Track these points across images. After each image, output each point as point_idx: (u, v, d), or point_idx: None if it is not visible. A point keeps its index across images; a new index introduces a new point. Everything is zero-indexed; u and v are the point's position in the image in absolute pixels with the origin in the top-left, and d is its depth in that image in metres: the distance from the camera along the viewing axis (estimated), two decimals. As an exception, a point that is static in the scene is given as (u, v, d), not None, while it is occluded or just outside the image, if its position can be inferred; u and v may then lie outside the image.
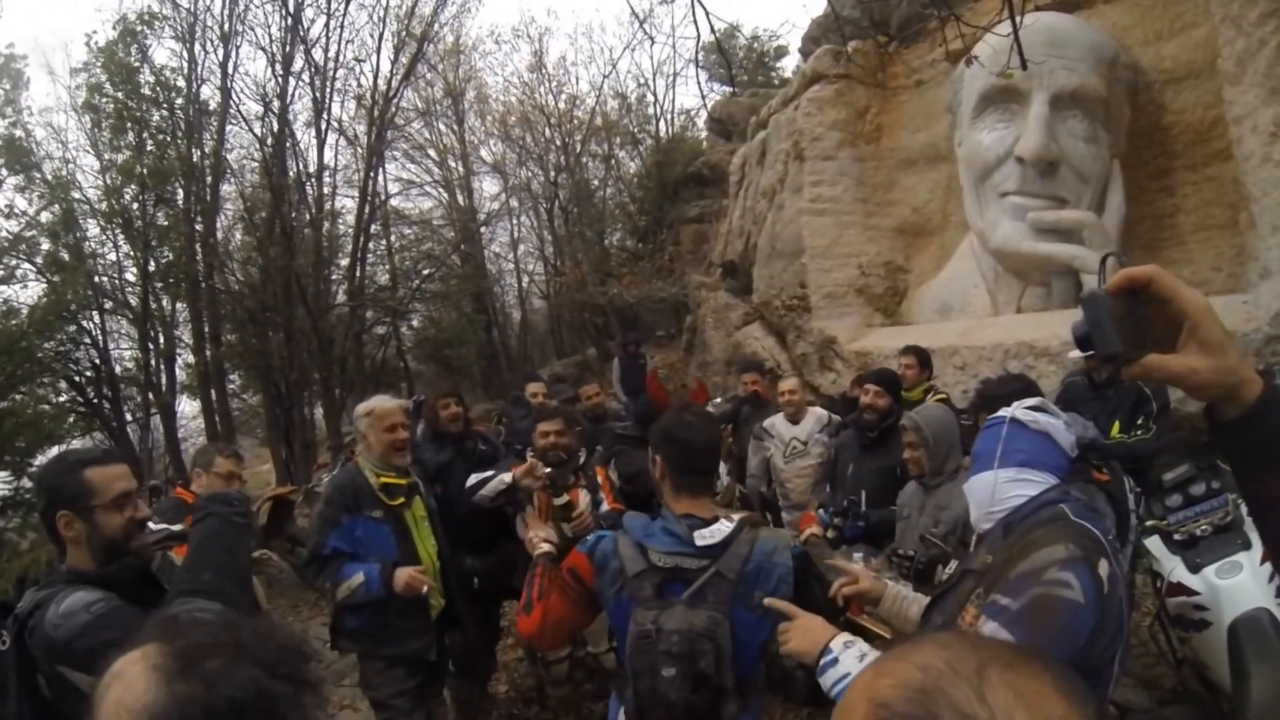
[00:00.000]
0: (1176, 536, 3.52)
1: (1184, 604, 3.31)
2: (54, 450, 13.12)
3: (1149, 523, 3.66)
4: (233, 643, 1.00)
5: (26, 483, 11.84)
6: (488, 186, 22.91)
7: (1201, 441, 4.05)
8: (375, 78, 17.03)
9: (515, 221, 23.08)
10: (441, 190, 22.59)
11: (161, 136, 15.48)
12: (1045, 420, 2.07)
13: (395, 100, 17.42)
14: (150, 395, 16.70)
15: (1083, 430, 2.98)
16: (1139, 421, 4.43)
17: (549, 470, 4.20)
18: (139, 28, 14.88)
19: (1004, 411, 2.13)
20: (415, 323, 22.09)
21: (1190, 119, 6.82)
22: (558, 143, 18.87)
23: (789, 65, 20.12)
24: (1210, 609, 3.16)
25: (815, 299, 9.42)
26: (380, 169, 18.29)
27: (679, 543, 2.21)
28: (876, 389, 4.89)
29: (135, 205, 15.29)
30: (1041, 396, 3.17)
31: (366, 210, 16.98)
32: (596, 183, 20.58)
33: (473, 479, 4.40)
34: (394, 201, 21.33)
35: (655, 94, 20.17)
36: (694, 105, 21.62)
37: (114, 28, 15.00)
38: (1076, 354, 4.82)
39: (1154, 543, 3.65)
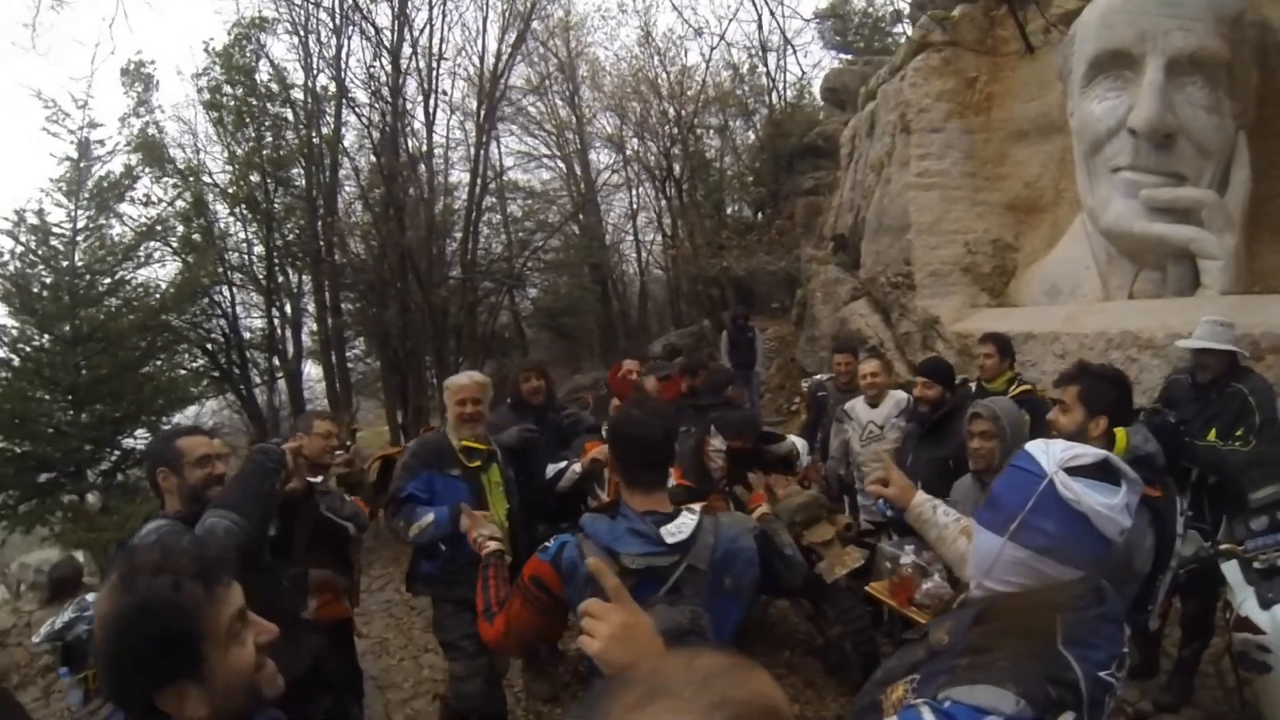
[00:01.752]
0: (1256, 565, 3.21)
1: (1248, 641, 3.02)
2: (191, 410, 15.09)
3: (1224, 546, 3.36)
4: (157, 561, 1.35)
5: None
6: (604, 159, 22.94)
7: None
8: (483, 57, 17.51)
9: (634, 192, 23.03)
10: (560, 163, 22.78)
11: (280, 127, 16.43)
12: (1090, 500, 1.50)
13: (504, 78, 17.74)
14: (275, 361, 17.72)
15: (1143, 442, 2.73)
16: (1238, 432, 4.03)
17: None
18: (253, 31, 15.81)
19: (1043, 459, 1.58)
20: (532, 293, 22.44)
21: (1330, 84, 6.16)
22: (670, 115, 18.67)
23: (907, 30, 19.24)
24: (1274, 651, 2.88)
25: (920, 277, 9.07)
26: (489, 145, 18.62)
27: (649, 543, 2.16)
28: (925, 380, 4.85)
29: (258, 191, 16.18)
30: (1127, 401, 2.94)
31: (478, 185, 17.53)
32: (712, 154, 20.29)
33: (550, 470, 4.72)
34: (513, 174, 21.75)
35: (766, 65, 19.62)
36: (807, 74, 20.92)
37: (229, 32, 15.92)
38: (1185, 343, 4.46)
39: (1231, 569, 3.33)
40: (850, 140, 11.86)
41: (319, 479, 4.14)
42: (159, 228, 15.17)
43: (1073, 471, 1.53)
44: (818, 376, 8.42)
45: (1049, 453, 1.58)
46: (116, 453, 11.30)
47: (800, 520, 4.95)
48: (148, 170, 15.79)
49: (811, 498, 5.01)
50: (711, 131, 19.88)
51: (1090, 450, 1.59)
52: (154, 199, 15.90)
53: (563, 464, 4.72)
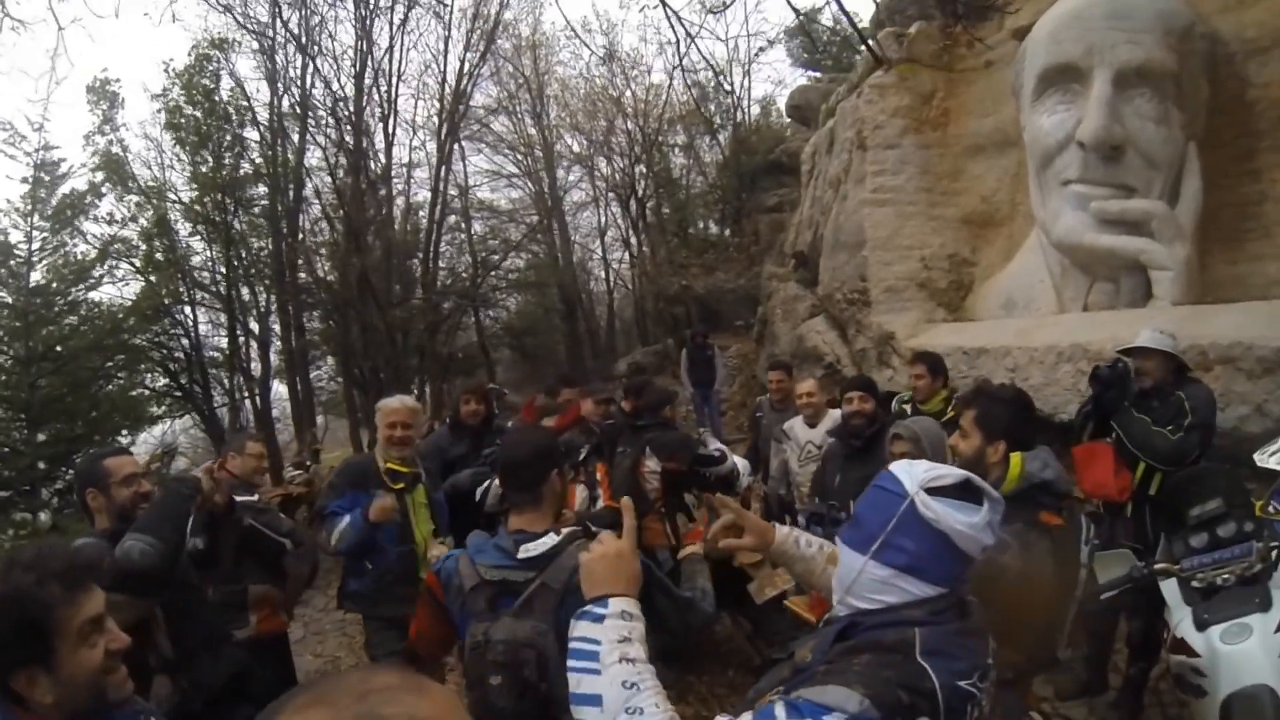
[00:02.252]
0: (1195, 583, 3.04)
1: (1183, 664, 2.85)
2: (157, 429, 16.24)
3: (1159, 565, 3.20)
4: (30, 561, 1.58)
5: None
6: (573, 177, 22.84)
7: (1238, 473, 3.56)
8: (443, 75, 17.83)
9: (602, 210, 23.00)
10: (528, 181, 22.65)
11: (241, 147, 16.72)
12: (951, 520, 1.52)
13: (467, 96, 18.04)
14: (238, 379, 18.00)
15: (1040, 468, 2.58)
16: (1168, 429, 3.93)
17: None
18: (213, 52, 15.96)
19: (905, 479, 1.59)
20: (496, 313, 22.53)
21: (1278, 94, 6.08)
22: (633, 133, 18.64)
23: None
24: (1208, 676, 2.71)
25: (875, 293, 8.95)
26: (451, 165, 18.85)
27: (505, 556, 2.28)
28: (860, 394, 4.76)
29: (218, 211, 16.29)
30: (1025, 423, 2.79)
31: (439, 203, 17.92)
32: (678, 171, 20.28)
33: (479, 491, 4.79)
34: (482, 194, 22.03)
35: (730, 82, 19.54)
36: (771, 91, 21.05)
37: (189, 53, 16.10)
38: (1119, 348, 4.36)
39: (1170, 588, 3.16)
40: (811, 157, 11.80)
41: (255, 497, 4.44)
42: (120, 246, 15.61)
43: (934, 491, 1.56)
44: (762, 398, 8.32)
45: (911, 473, 1.61)
46: (71, 472, 11.25)
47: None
48: (111, 188, 16.06)
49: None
50: (677, 149, 19.86)
51: (952, 471, 1.63)
52: (117, 217, 16.21)
53: (486, 483, 4.73)
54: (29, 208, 11.95)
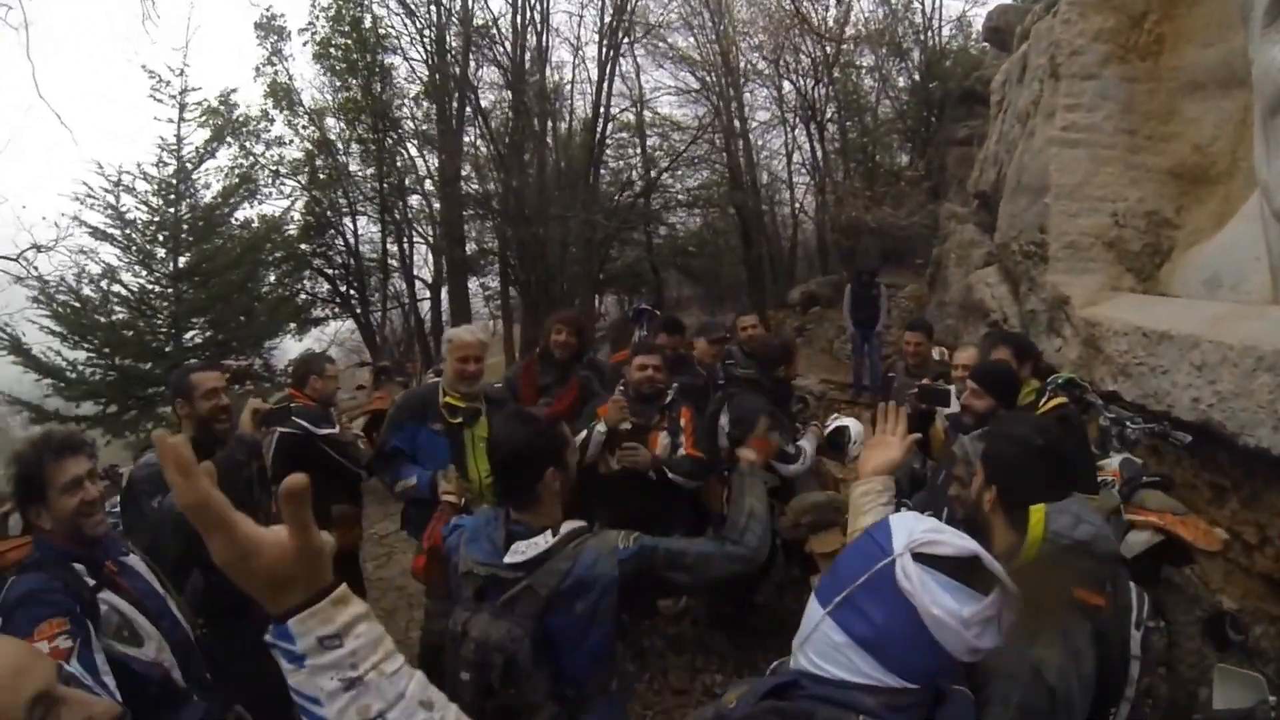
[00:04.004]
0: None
1: None
2: (318, 331, 18.83)
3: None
4: (35, 439, 2.46)
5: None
6: (760, 98, 21.71)
7: None
8: None
9: (790, 132, 21.69)
10: (713, 99, 21.70)
11: (386, 73, 18.22)
12: (929, 599, 1.21)
13: (630, 11, 17.88)
14: (390, 287, 19.75)
15: (1072, 525, 1.91)
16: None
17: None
18: None
19: (896, 533, 1.31)
20: (665, 230, 22.39)
21: None
22: (814, 53, 17.34)
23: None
24: None
25: (1055, 248, 7.76)
26: (613, 80, 18.80)
27: (495, 553, 2.22)
28: (975, 386, 3.78)
29: (370, 132, 18.14)
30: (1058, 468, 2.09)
31: (602, 116, 18.27)
32: (866, 96, 18.82)
33: (579, 440, 4.39)
34: (664, 109, 21.63)
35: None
36: (968, 9, 18.93)
37: None
38: None
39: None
40: (1001, 87, 10.43)
41: (334, 429, 4.84)
42: (284, 166, 17.76)
43: (925, 559, 1.26)
44: (896, 357, 7.47)
45: (907, 527, 1.33)
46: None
47: (808, 523, 4.36)
48: (280, 113, 18.05)
49: (827, 499, 4.44)
50: (864, 71, 18.39)
51: (959, 541, 1.30)
52: (284, 140, 18.20)
53: (586, 431, 4.46)
54: (175, 143, 12.84)
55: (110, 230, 12.23)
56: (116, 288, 12.35)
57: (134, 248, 12.33)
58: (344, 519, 4.76)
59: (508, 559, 2.17)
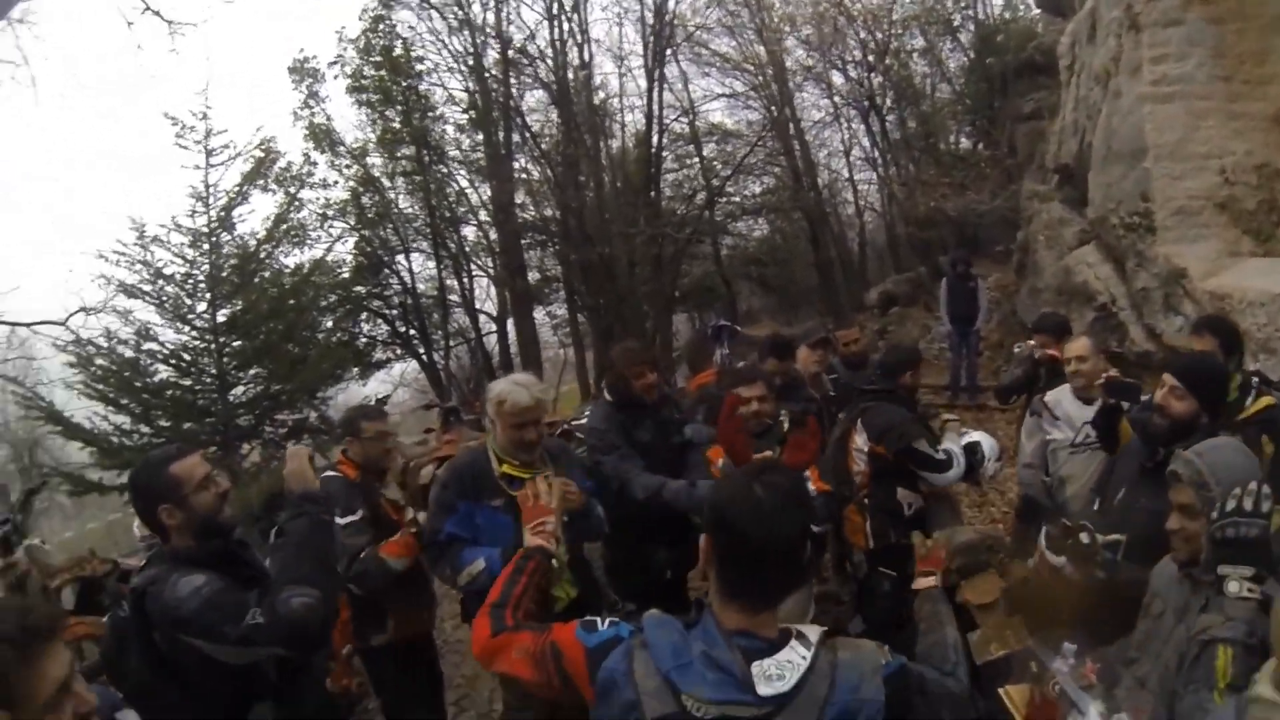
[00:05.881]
0: None
1: None
2: (376, 376, 18.30)
3: None
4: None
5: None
6: (810, 96, 21.11)
7: None
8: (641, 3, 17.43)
9: (845, 128, 21.03)
10: (762, 102, 21.19)
11: (424, 101, 17.80)
12: None
13: (671, 17, 17.53)
14: (452, 323, 19.44)
15: None
16: None
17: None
18: (381, 10, 16.86)
19: None
20: (731, 241, 21.89)
21: None
22: (865, 40, 16.77)
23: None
24: None
25: (1161, 216, 7.12)
26: (662, 90, 18.38)
27: (733, 686, 1.54)
28: (1175, 384, 3.14)
29: (412, 162, 17.84)
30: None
31: (655, 128, 17.94)
32: (920, 80, 18.14)
33: (670, 490, 4.02)
34: (714, 117, 20.91)
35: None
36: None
37: (359, 18, 17.11)
38: None
39: None
40: (1070, 49, 9.74)
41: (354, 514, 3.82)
42: (332, 208, 17.41)
43: None
44: (1019, 347, 6.70)
45: None
46: (272, 422, 12.98)
47: (958, 567, 3.46)
48: (321, 154, 17.59)
49: (979, 538, 3.56)
50: (916, 55, 17.71)
51: None
52: (329, 181, 17.72)
53: (680, 483, 4.00)
54: (204, 191, 12.36)
55: (143, 286, 12.03)
56: (152, 345, 12.10)
57: (168, 302, 12.04)
58: (401, 613, 4.08)
59: (763, 690, 1.55)
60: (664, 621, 1.71)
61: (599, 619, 1.80)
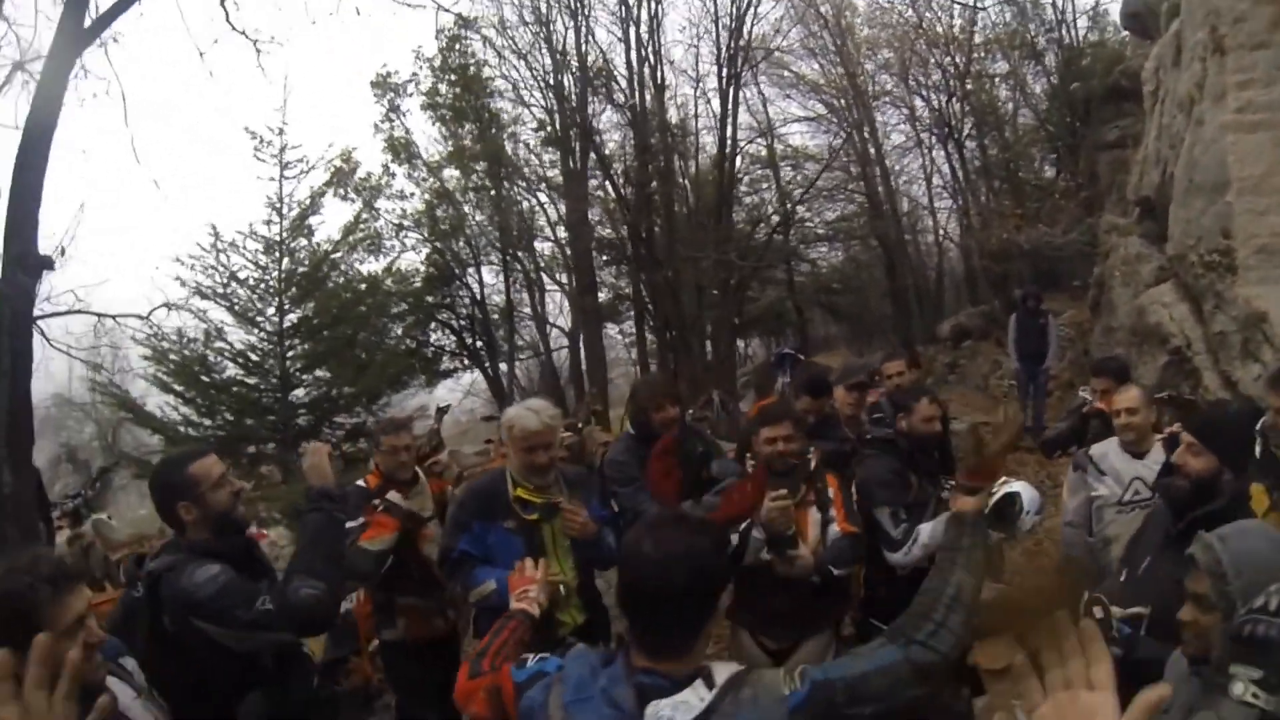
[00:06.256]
0: None
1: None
2: (444, 384, 19.01)
3: None
4: (20, 565, 1.93)
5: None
6: (893, 120, 20.80)
7: None
8: (715, 15, 17.67)
9: (928, 155, 20.63)
10: (843, 127, 20.86)
11: (496, 119, 18.52)
12: None
13: (747, 39, 17.58)
14: (521, 337, 20.24)
15: None
16: None
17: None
18: (458, 31, 17.22)
19: None
20: (807, 268, 21.80)
21: None
22: (945, 65, 16.33)
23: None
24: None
25: (1243, 254, 6.56)
26: (737, 113, 18.59)
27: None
28: (1190, 439, 2.91)
29: (484, 178, 18.53)
30: None
31: (728, 151, 18.12)
32: (1004, 105, 17.59)
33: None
34: (794, 140, 21.09)
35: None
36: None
37: (435, 38, 17.65)
38: None
39: None
40: (1154, 75, 9.15)
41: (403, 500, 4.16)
42: (409, 219, 18.32)
43: None
44: (1084, 390, 6.18)
45: None
46: (338, 424, 13.35)
47: (975, 625, 3.24)
48: (399, 166, 18.52)
49: (996, 599, 3.34)
50: (998, 80, 17.17)
51: None
52: (407, 193, 18.62)
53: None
54: (278, 201, 12.87)
55: (217, 289, 12.58)
56: (221, 344, 12.65)
57: (239, 305, 12.59)
58: (412, 611, 4.28)
59: None
60: (582, 656, 1.80)
61: (529, 656, 1.90)
